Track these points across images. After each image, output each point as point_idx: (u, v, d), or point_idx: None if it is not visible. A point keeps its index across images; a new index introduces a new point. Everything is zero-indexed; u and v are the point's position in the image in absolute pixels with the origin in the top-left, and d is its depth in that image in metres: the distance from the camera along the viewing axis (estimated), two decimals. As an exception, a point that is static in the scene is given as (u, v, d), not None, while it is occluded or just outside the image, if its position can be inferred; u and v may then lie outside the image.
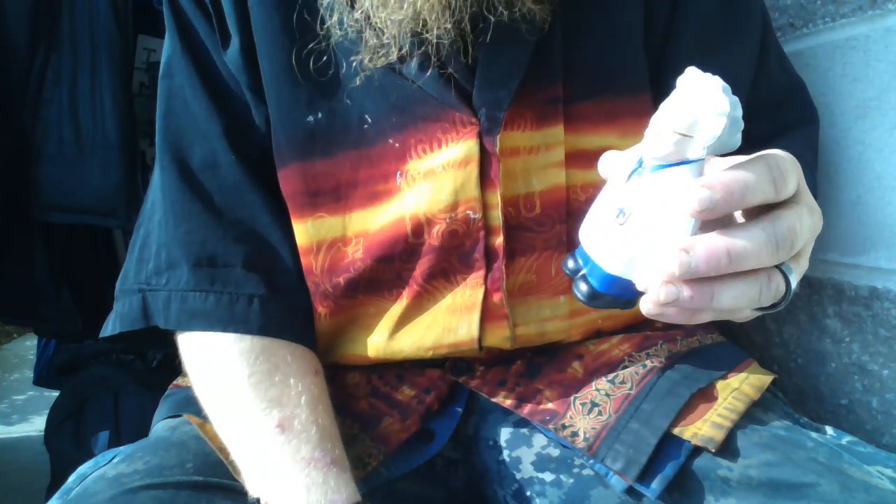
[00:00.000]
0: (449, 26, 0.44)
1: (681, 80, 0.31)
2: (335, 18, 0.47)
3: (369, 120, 0.50)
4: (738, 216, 0.36)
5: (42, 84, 1.06)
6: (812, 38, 0.63)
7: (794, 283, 0.33)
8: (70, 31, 1.07)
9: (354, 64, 0.48)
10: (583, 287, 0.34)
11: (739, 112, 0.30)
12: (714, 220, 0.34)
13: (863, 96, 0.59)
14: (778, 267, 0.33)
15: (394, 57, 0.46)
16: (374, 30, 0.46)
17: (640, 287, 0.32)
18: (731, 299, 0.31)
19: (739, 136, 0.31)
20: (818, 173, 0.59)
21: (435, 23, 0.43)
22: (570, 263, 0.35)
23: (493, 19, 0.44)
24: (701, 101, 0.29)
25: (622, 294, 0.33)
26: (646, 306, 0.32)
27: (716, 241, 0.30)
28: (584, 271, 0.34)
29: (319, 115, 0.51)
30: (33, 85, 1.06)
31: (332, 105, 0.51)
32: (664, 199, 0.31)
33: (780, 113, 0.57)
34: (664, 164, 0.31)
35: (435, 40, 0.44)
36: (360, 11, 0.46)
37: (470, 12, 0.44)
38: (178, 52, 0.53)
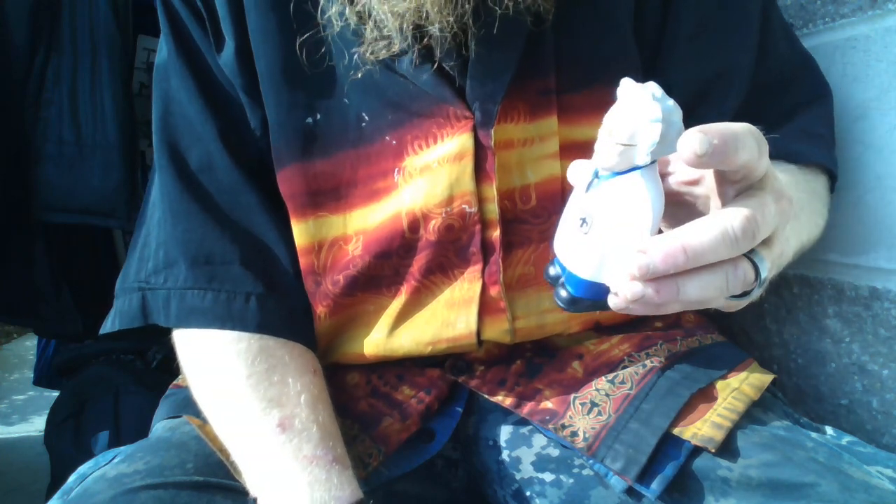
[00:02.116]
0: (451, 19, 0.44)
1: (619, 92, 0.33)
2: (335, 9, 0.47)
3: (366, 118, 0.50)
4: (713, 208, 0.36)
5: (42, 84, 1.06)
6: (812, 38, 0.63)
7: (764, 271, 0.34)
8: (70, 31, 1.07)
9: (356, 58, 0.48)
10: (562, 293, 0.36)
11: (678, 116, 0.31)
12: (675, 217, 0.35)
13: (863, 96, 0.59)
14: (747, 255, 0.33)
15: (395, 49, 0.46)
16: (375, 22, 0.46)
17: (612, 289, 0.33)
18: (698, 290, 0.32)
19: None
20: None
21: (437, 15, 0.43)
22: (551, 271, 0.37)
23: (499, 12, 0.44)
24: (635, 111, 0.31)
25: (599, 297, 0.35)
26: (612, 302, 0.33)
27: (671, 241, 0.31)
28: (562, 278, 0.36)
29: (318, 115, 0.51)
30: (33, 85, 1.06)
31: (330, 105, 0.51)
32: (620, 205, 0.33)
33: (790, 90, 0.57)
34: (616, 172, 0.33)
35: (437, 33, 0.44)
36: (361, 4, 0.46)
37: (473, 5, 0.44)
38: (173, 55, 0.53)
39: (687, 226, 0.31)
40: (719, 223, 0.31)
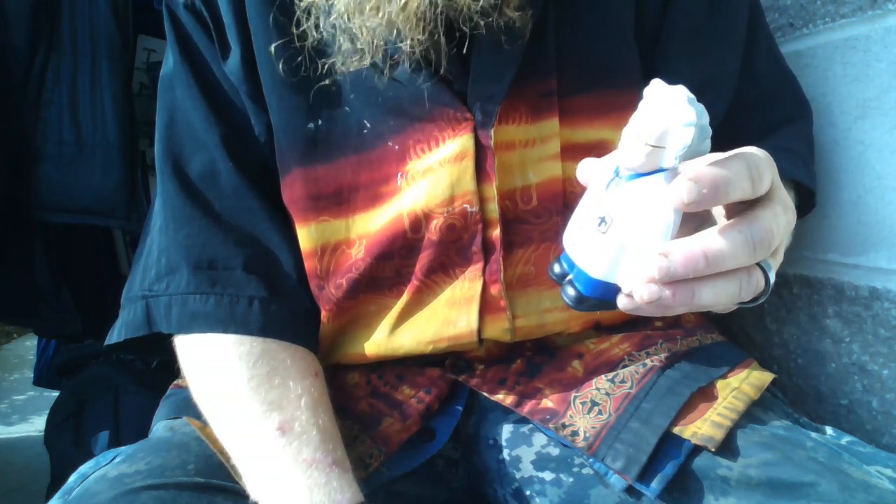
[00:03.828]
0: (422, 37, 0.44)
1: (647, 92, 0.32)
2: (311, 21, 0.48)
3: (368, 125, 0.51)
4: (720, 218, 0.36)
5: (42, 84, 1.06)
6: (812, 38, 0.63)
7: (772, 279, 0.34)
8: (70, 31, 1.06)
9: (327, 67, 0.49)
10: (570, 291, 0.35)
11: (706, 120, 0.31)
12: (693, 223, 0.35)
13: (863, 96, 0.59)
14: (757, 263, 0.33)
15: (366, 63, 0.47)
16: (348, 35, 0.46)
17: (624, 290, 0.33)
18: (712, 296, 0.32)
19: (709, 142, 0.32)
20: (819, 173, 0.59)
21: (409, 33, 0.44)
22: (557, 269, 0.37)
23: (467, 31, 0.44)
24: (668, 113, 0.31)
25: (607, 297, 0.34)
26: (623, 302, 0.33)
27: (693, 245, 0.31)
28: (570, 276, 0.36)
29: (319, 122, 0.51)
30: (33, 85, 1.06)
31: (332, 112, 0.51)
32: (642, 206, 0.32)
33: (769, 109, 0.57)
34: (640, 173, 0.32)
35: (408, 49, 0.45)
36: (335, 16, 0.46)
37: (444, 24, 0.44)
38: (179, 64, 0.54)
39: (708, 231, 0.32)
40: (740, 231, 0.31)
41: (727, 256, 0.31)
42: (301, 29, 0.48)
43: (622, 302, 0.33)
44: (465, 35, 0.46)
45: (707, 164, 0.31)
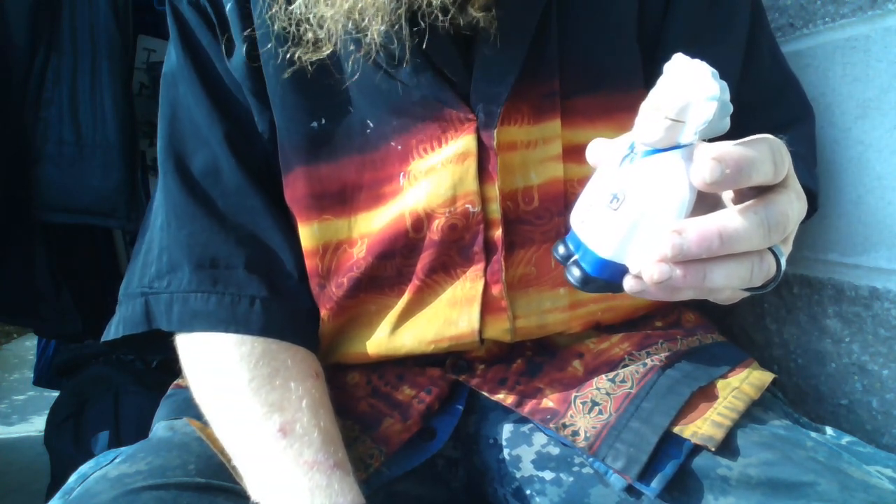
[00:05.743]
0: (382, 28, 0.44)
1: (668, 66, 0.31)
2: (274, 10, 0.48)
3: (371, 125, 0.51)
4: (729, 203, 0.36)
5: (42, 84, 1.06)
6: (812, 38, 0.63)
7: (783, 265, 0.34)
8: (70, 32, 1.07)
9: (289, 57, 0.49)
10: (575, 272, 0.34)
11: (727, 96, 0.30)
12: (703, 207, 0.34)
13: (863, 96, 0.59)
14: (769, 248, 0.33)
15: (325, 53, 0.47)
16: (311, 24, 0.47)
17: (633, 270, 0.32)
18: (723, 279, 0.31)
19: (728, 119, 0.31)
20: (819, 173, 0.59)
21: (369, 24, 0.44)
22: (562, 249, 0.35)
23: (425, 25, 0.44)
24: (690, 87, 0.30)
25: (614, 278, 0.33)
26: (630, 284, 0.32)
27: (708, 224, 0.30)
28: (576, 256, 0.34)
29: (323, 121, 0.51)
30: (33, 85, 1.06)
31: (335, 111, 0.51)
32: (657, 183, 0.31)
33: (772, 112, 0.57)
34: (656, 149, 0.31)
35: (370, 39, 0.45)
36: (295, 5, 0.46)
37: (406, 17, 0.44)
38: (182, 61, 0.54)
39: (723, 211, 0.31)
40: (755, 212, 0.31)
41: (742, 237, 0.30)
42: (263, 18, 0.49)
43: (629, 283, 0.32)
44: (468, 36, 0.46)
45: (731, 145, 0.30)
